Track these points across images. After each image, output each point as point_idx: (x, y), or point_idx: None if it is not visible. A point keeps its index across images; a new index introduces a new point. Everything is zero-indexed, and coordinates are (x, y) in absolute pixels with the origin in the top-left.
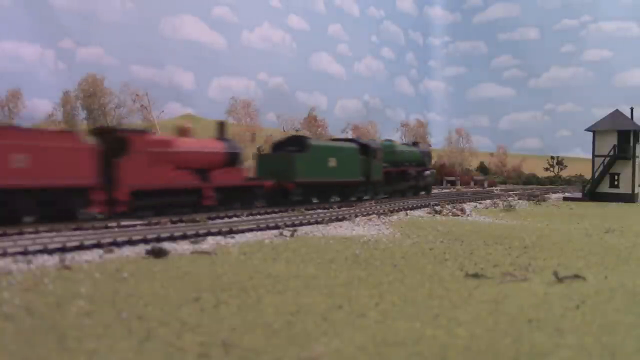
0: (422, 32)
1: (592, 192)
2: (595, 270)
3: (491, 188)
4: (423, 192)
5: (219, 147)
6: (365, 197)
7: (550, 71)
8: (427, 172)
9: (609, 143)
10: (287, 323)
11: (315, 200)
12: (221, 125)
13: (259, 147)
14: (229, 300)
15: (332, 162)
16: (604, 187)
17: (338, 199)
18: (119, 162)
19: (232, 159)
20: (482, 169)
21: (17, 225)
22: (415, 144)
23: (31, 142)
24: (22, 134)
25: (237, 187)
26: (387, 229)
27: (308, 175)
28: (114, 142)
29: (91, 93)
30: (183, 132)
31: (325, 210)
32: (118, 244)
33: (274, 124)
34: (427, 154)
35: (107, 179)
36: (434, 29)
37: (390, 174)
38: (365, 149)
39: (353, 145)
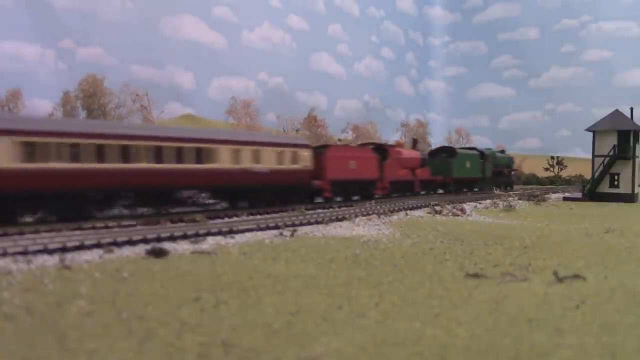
0: (422, 32)
1: (592, 192)
2: (595, 270)
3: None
4: (508, 188)
5: (418, 155)
6: (480, 188)
7: (550, 71)
8: (513, 172)
9: (609, 143)
10: (287, 323)
11: (464, 190)
12: (415, 141)
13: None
14: (229, 300)
15: (468, 164)
16: (604, 187)
17: (471, 189)
18: (384, 164)
19: (423, 162)
20: None
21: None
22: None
23: (356, 154)
24: (352, 149)
25: (426, 180)
26: (387, 229)
27: (457, 173)
28: (381, 152)
29: (91, 93)
30: (399, 145)
31: (325, 210)
32: (118, 244)
33: (274, 124)
34: (512, 159)
35: (380, 175)
36: (434, 29)
37: (494, 173)
38: (482, 155)
39: (476, 152)
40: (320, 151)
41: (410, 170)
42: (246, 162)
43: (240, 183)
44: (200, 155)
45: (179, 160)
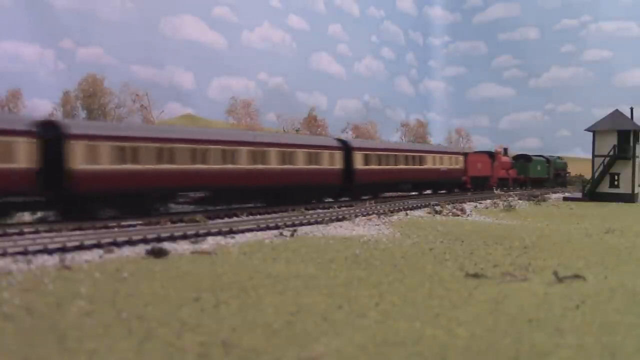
0: (422, 32)
1: (592, 192)
2: (595, 270)
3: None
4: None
5: (510, 159)
6: (546, 186)
7: (550, 71)
8: (567, 174)
9: (609, 143)
10: (287, 323)
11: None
12: (505, 150)
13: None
14: (229, 300)
15: (538, 167)
16: (604, 187)
17: (541, 187)
18: (494, 165)
19: (513, 165)
20: None
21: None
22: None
23: (480, 159)
24: (478, 155)
25: (515, 178)
26: (387, 229)
27: (533, 174)
28: (492, 157)
29: (91, 93)
30: (499, 152)
31: (325, 210)
32: (118, 244)
33: (274, 124)
34: (565, 164)
35: (492, 173)
36: (434, 29)
37: (554, 174)
38: (547, 161)
39: (543, 158)
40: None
41: (506, 171)
42: (434, 164)
43: (433, 178)
44: (411, 160)
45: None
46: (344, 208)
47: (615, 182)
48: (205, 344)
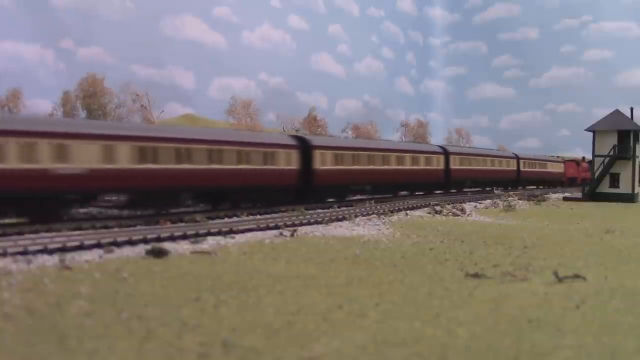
0: (422, 32)
1: (592, 192)
2: (595, 270)
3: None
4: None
5: (587, 165)
6: None
7: (551, 71)
8: None
9: (609, 143)
10: (287, 323)
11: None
12: (583, 158)
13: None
14: (229, 300)
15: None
16: (604, 187)
17: None
18: (578, 169)
19: (588, 169)
20: None
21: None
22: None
23: (572, 164)
24: (571, 162)
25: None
26: (387, 229)
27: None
28: (577, 162)
29: (91, 93)
30: (579, 159)
31: (325, 210)
32: (118, 244)
33: (274, 124)
34: None
35: (578, 175)
36: (434, 29)
37: None
38: None
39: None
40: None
41: (585, 172)
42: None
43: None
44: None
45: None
46: (344, 208)
47: (616, 182)
48: (205, 344)
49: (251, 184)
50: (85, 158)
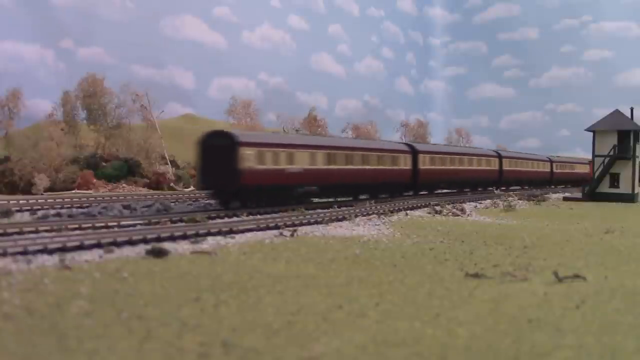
0: (422, 32)
1: (592, 192)
2: (595, 270)
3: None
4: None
5: None
6: None
7: (551, 71)
8: None
9: (609, 143)
10: (287, 323)
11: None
12: None
13: None
14: (229, 300)
15: None
16: (604, 187)
17: None
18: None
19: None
20: None
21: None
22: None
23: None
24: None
25: None
26: (387, 229)
27: None
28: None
29: (91, 93)
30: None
31: (325, 210)
32: (118, 244)
33: (274, 124)
34: None
35: None
36: (434, 29)
37: None
38: None
39: None
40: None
41: None
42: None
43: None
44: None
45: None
46: (344, 208)
47: (615, 182)
48: (205, 344)
49: (385, 179)
50: (302, 162)
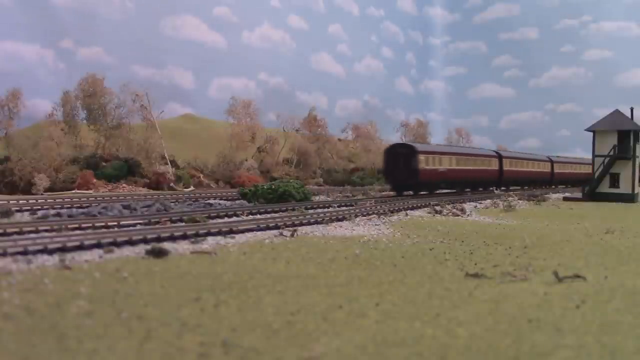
0: (422, 32)
1: (592, 192)
2: (595, 270)
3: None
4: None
5: None
6: None
7: (550, 71)
8: None
9: (609, 143)
10: (287, 323)
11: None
12: None
13: None
14: (229, 300)
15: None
16: (604, 187)
17: None
18: None
19: None
20: None
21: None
22: None
23: None
24: None
25: None
26: (387, 229)
27: None
28: None
29: (91, 93)
30: None
31: (325, 210)
32: (118, 244)
33: (274, 124)
34: None
35: None
36: (434, 29)
37: None
38: None
39: None
40: None
41: None
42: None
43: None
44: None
45: None
46: (344, 208)
47: (616, 182)
48: (205, 344)
49: (483, 177)
50: (446, 164)
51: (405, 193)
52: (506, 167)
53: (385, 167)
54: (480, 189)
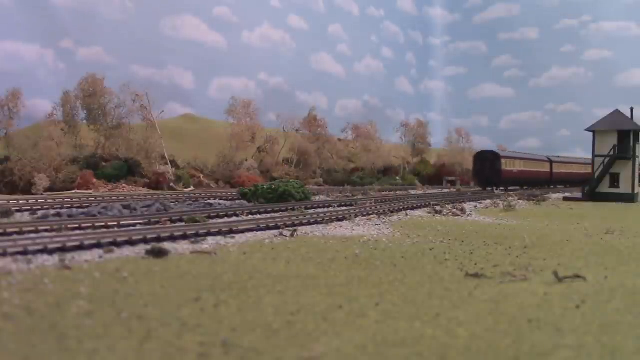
0: (422, 32)
1: (592, 192)
2: (595, 270)
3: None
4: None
5: None
6: None
7: (550, 71)
8: None
9: (609, 143)
10: (287, 323)
11: None
12: None
13: None
14: (229, 300)
15: None
16: (604, 187)
17: None
18: None
19: None
20: None
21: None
22: None
23: None
24: None
25: None
26: (387, 229)
27: None
28: None
29: (91, 93)
30: None
31: (325, 210)
32: (118, 244)
33: (274, 124)
34: None
35: None
36: (434, 29)
37: None
38: None
39: None
40: None
41: None
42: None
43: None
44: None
45: None
46: (344, 208)
47: (615, 182)
48: (205, 344)
49: (539, 177)
50: (518, 166)
51: (488, 188)
52: (555, 170)
53: (475, 168)
54: (537, 188)
